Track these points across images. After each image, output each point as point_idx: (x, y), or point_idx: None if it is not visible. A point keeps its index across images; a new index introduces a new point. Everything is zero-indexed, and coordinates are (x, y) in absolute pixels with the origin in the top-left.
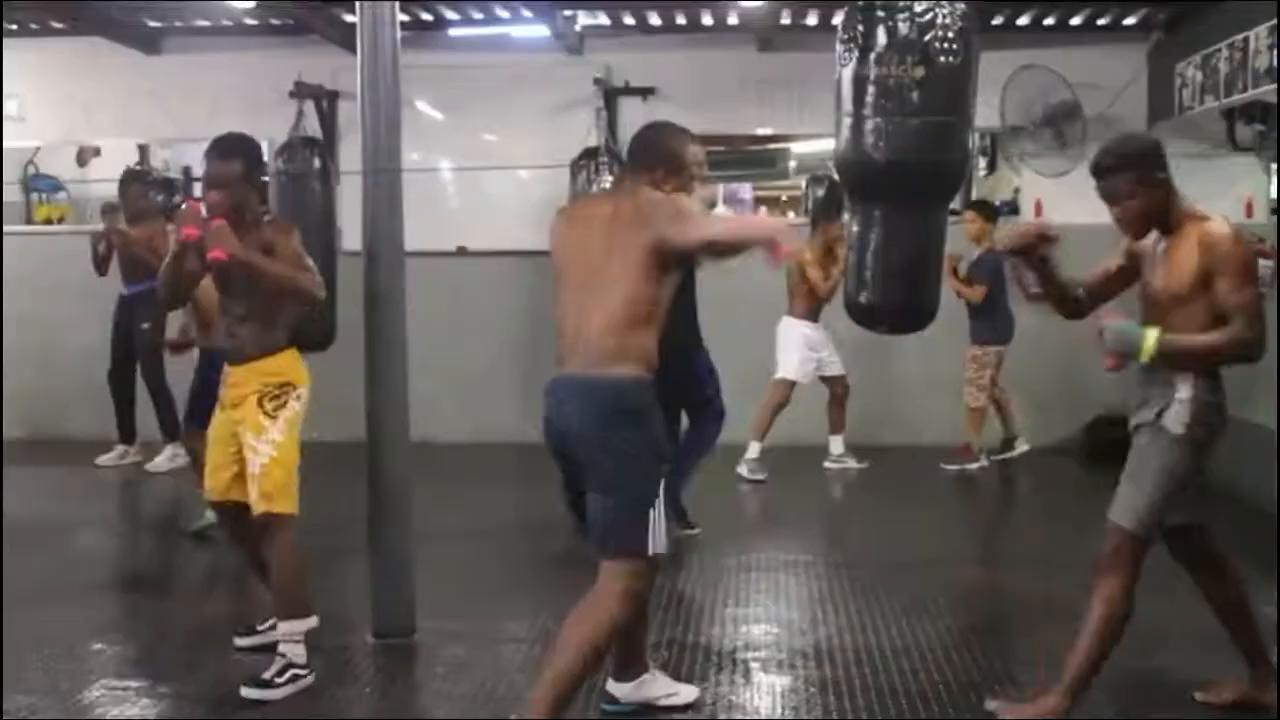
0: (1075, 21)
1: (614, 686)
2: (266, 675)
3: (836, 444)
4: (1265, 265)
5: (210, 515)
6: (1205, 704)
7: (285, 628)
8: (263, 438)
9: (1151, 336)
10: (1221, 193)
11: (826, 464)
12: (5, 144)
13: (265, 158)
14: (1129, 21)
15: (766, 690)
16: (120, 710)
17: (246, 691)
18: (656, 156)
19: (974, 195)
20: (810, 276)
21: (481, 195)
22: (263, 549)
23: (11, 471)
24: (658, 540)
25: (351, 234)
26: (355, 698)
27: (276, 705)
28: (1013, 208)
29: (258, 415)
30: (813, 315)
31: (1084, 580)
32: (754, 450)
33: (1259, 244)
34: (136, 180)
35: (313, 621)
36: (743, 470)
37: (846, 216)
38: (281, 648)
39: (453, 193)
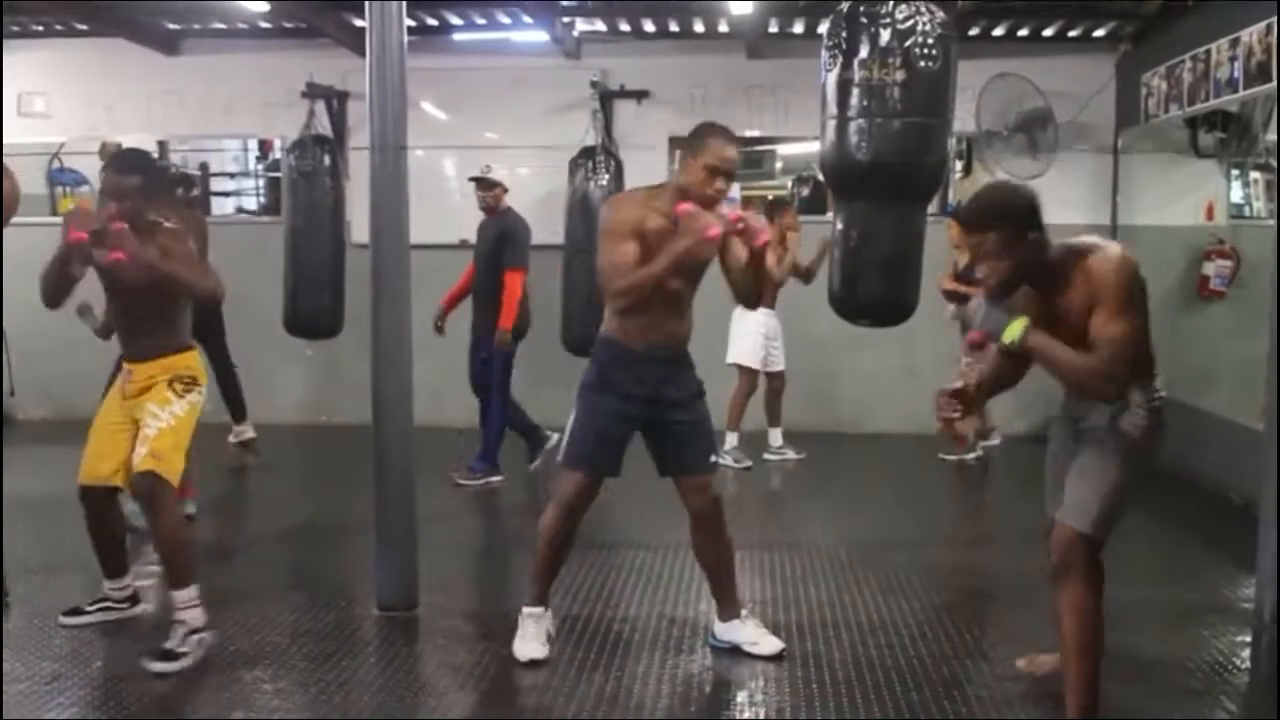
0: (1048, 33)
1: (715, 625)
2: (169, 645)
3: (775, 436)
4: (1223, 265)
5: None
6: (1028, 672)
7: (180, 596)
8: (166, 408)
9: (1021, 324)
10: (1184, 196)
11: (766, 455)
12: (30, 139)
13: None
14: (1099, 33)
15: (748, 662)
16: (138, 678)
17: (153, 666)
18: (687, 142)
19: (951, 197)
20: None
21: None
22: (147, 515)
23: (38, 450)
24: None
25: (360, 227)
26: (360, 666)
27: (285, 671)
28: None
29: (166, 391)
30: (769, 303)
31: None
32: (733, 440)
33: (1218, 245)
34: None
35: (195, 590)
36: (727, 460)
37: (830, 214)
38: (179, 615)
39: (455, 188)
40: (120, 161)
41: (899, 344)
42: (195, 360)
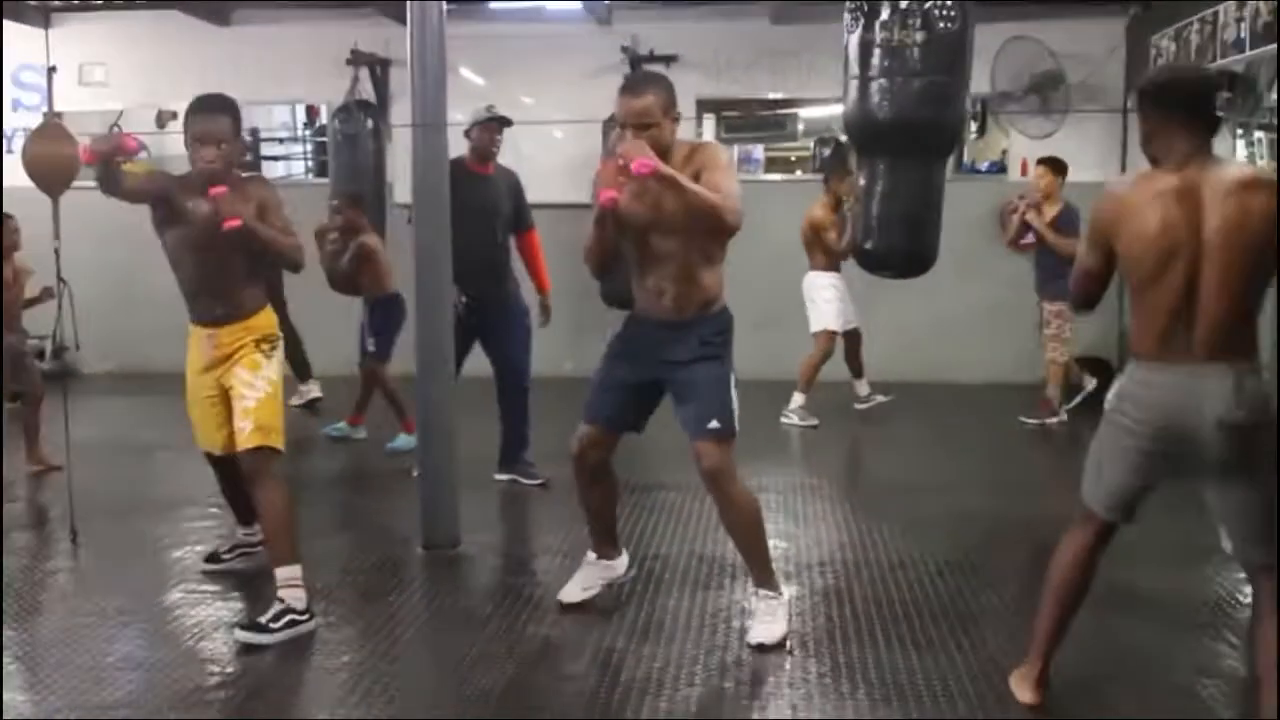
0: None
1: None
2: (263, 619)
3: (862, 386)
4: None
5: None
6: None
7: (282, 574)
8: (259, 374)
9: None
10: None
11: (858, 406)
12: (92, 107)
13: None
14: None
15: None
16: (198, 612)
17: (241, 635)
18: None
19: (965, 156)
20: (826, 239)
21: (519, 153)
22: (253, 491)
23: (103, 400)
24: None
25: (402, 188)
26: (407, 601)
27: (334, 606)
28: (1000, 167)
29: (255, 354)
30: (835, 267)
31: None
32: (799, 400)
33: None
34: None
35: (298, 569)
36: (792, 419)
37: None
38: (281, 593)
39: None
40: (206, 103)
41: (935, 294)
42: (272, 317)
